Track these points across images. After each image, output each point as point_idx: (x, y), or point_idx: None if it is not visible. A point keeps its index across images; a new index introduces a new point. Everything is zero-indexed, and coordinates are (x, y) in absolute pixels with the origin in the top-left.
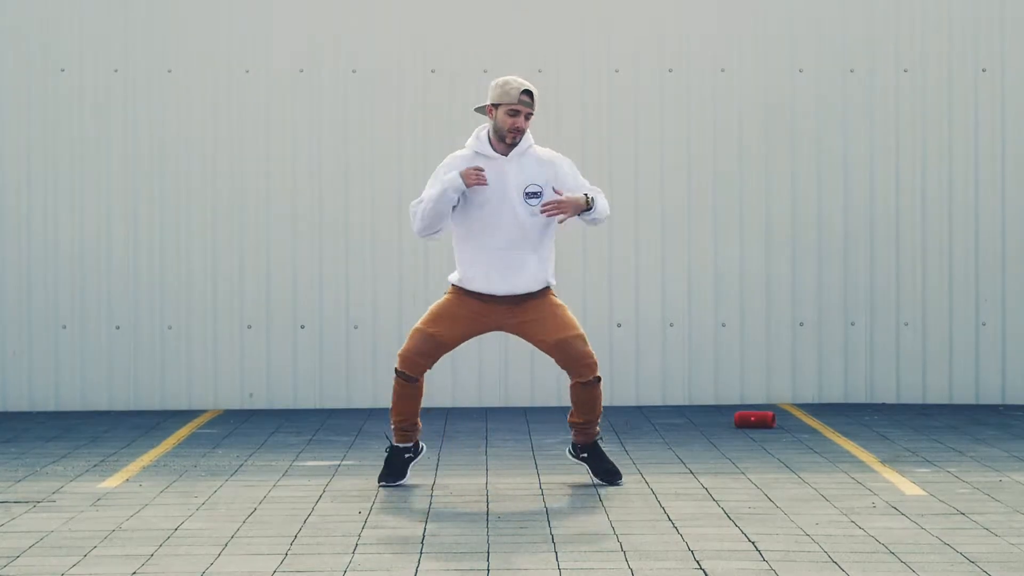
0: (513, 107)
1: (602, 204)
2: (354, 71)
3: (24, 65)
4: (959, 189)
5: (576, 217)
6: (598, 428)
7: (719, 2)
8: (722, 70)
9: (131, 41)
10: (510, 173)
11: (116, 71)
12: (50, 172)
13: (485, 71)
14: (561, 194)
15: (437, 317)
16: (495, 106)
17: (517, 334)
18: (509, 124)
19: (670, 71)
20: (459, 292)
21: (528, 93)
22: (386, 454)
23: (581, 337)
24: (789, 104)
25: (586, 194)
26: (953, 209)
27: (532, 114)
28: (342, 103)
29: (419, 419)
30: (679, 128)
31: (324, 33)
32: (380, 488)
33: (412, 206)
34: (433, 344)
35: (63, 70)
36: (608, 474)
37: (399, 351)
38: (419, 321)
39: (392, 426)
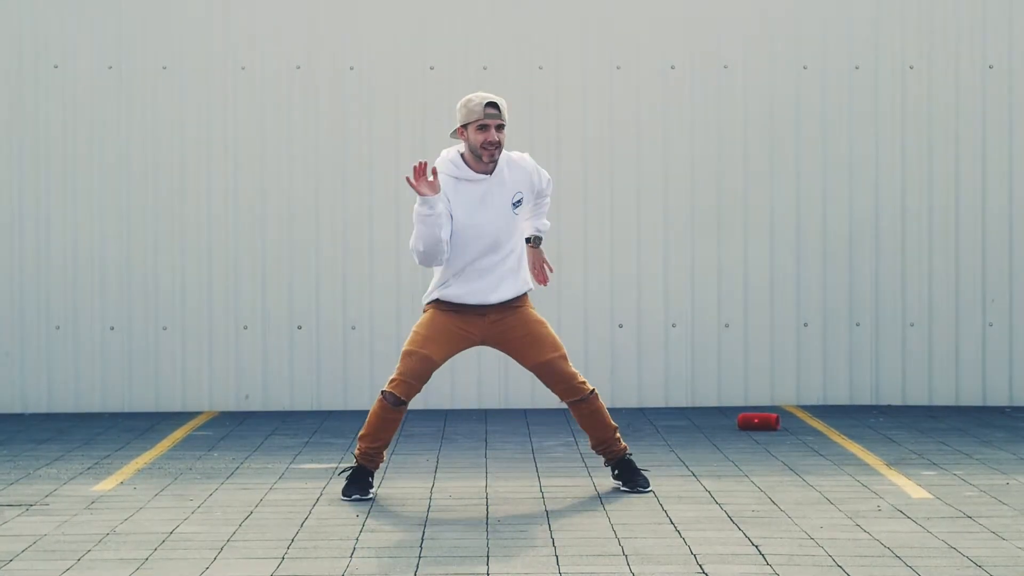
0: (481, 122)
1: (546, 223)
2: (351, 68)
3: (16, 61)
4: (965, 188)
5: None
6: (623, 443)
7: None
8: (725, 67)
9: (126, 38)
10: (496, 191)
11: (110, 68)
12: (43, 170)
13: (484, 68)
14: (548, 268)
15: (427, 338)
16: (464, 127)
17: (500, 347)
18: (482, 140)
19: (672, 68)
20: (442, 308)
21: (493, 105)
22: (347, 472)
23: (564, 357)
24: (793, 102)
25: (539, 237)
26: (960, 208)
27: (503, 125)
28: (339, 101)
29: (385, 452)
30: (682, 126)
31: (321, 30)
32: (355, 498)
33: (410, 249)
34: (428, 366)
35: (56, 66)
36: (643, 483)
37: (392, 376)
38: (408, 343)
39: (359, 449)
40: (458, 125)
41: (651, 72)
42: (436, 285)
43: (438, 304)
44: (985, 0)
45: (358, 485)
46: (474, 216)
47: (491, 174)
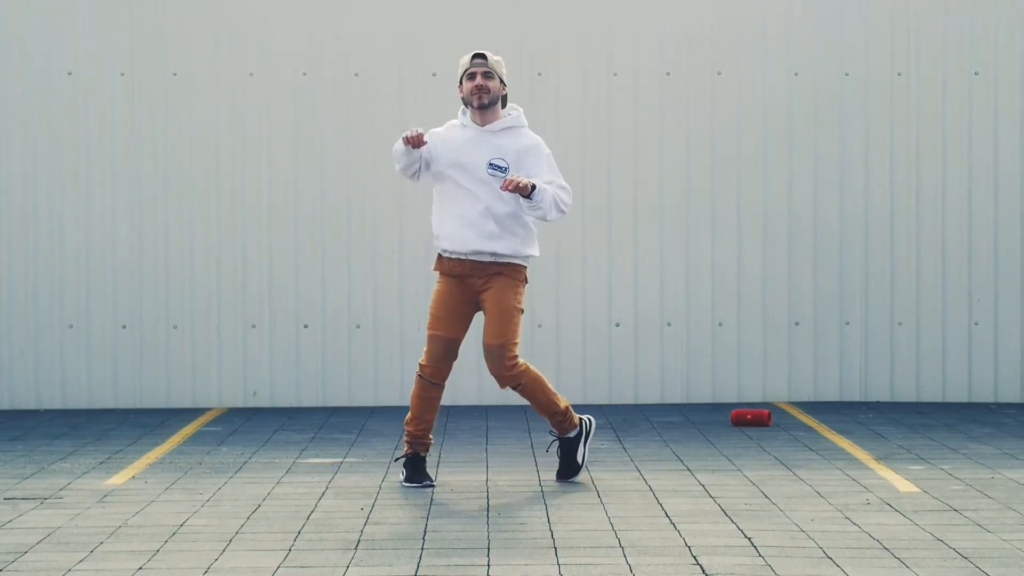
0: (468, 71)
1: (548, 200)
2: (356, 74)
3: (31, 68)
4: (952, 191)
5: (521, 200)
6: (566, 424)
7: (716, 6)
8: (719, 73)
9: (137, 45)
10: (483, 144)
11: (122, 74)
12: (56, 174)
13: None
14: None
15: (439, 319)
16: (460, 83)
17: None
18: (469, 88)
19: (668, 74)
20: (444, 277)
21: (479, 55)
22: (403, 461)
23: (503, 347)
24: (785, 107)
25: (534, 184)
26: (946, 210)
27: (490, 73)
28: (344, 106)
29: (431, 433)
30: (677, 130)
31: (326, 37)
32: (402, 487)
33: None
34: (448, 345)
35: (70, 73)
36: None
37: (421, 360)
38: (428, 324)
39: (406, 435)
40: (457, 84)
41: (648, 78)
42: (434, 236)
43: (440, 269)
44: (971, 9)
45: (418, 474)
46: (453, 156)
47: (484, 126)
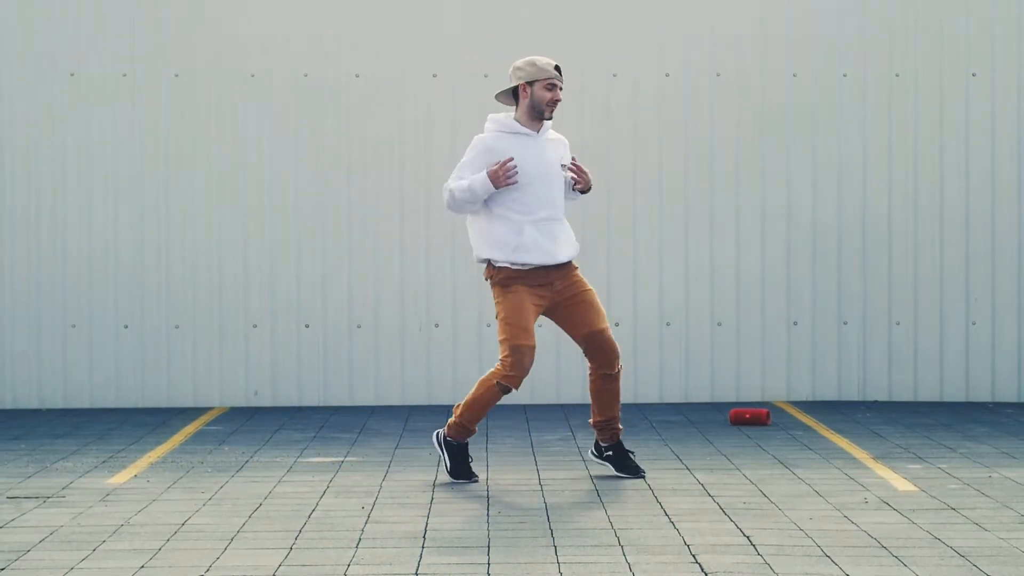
0: (550, 81)
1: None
2: (357, 75)
3: (33, 69)
4: (950, 191)
5: (576, 192)
6: (620, 426)
7: (715, 8)
8: (718, 75)
9: (139, 46)
10: (547, 150)
11: (124, 75)
12: (59, 174)
13: (486, 76)
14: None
15: (524, 328)
16: (529, 84)
17: (558, 313)
18: (549, 98)
19: (667, 76)
20: (515, 285)
21: (558, 68)
22: (445, 452)
23: (609, 329)
24: (784, 108)
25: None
26: (944, 211)
27: (562, 88)
28: (344, 106)
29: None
30: (676, 131)
31: (327, 38)
32: (452, 482)
33: (444, 189)
34: (531, 354)
35: (72, 74)
36: (632, 469)
37: (507, 371)
38: (510, 335)
39: (460, 423)
40: (521, 82)
41: (647, 79)
42: (502, 247)
43: (509, 278)
44: (968, 11)
45: (461, 468)
46: (534, 168)
47: (539, 132)
